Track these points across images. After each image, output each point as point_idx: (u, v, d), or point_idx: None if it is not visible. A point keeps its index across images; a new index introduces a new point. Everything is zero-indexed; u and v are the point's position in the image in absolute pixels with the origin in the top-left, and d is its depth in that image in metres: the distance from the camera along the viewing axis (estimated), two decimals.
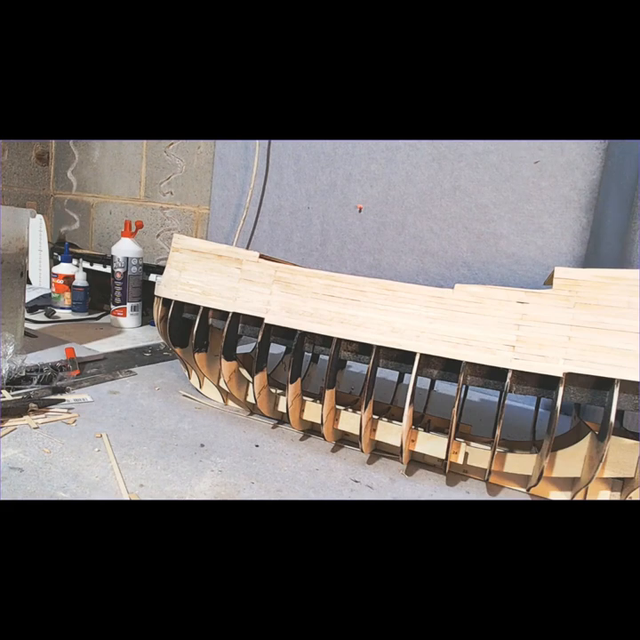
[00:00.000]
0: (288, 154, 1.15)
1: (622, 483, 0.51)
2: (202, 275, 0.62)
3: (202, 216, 1.34)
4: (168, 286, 0.65)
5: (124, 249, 1.06)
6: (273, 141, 1.16)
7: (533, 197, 0.90)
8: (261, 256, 0.60)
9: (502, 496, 0.54)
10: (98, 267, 1.23)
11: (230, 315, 0.60)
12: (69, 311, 1.16)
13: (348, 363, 0.83)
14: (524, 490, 0.54)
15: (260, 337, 0.57)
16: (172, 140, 1.36)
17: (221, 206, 1.27)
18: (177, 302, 0.64)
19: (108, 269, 1.17)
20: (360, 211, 1.08)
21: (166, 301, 0.65)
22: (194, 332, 0.62)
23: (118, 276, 1.06)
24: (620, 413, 0.55)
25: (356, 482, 0.53)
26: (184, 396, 0.72)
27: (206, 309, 0.62)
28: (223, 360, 0.61)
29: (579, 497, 0.51)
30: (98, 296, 1.19)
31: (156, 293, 0.67)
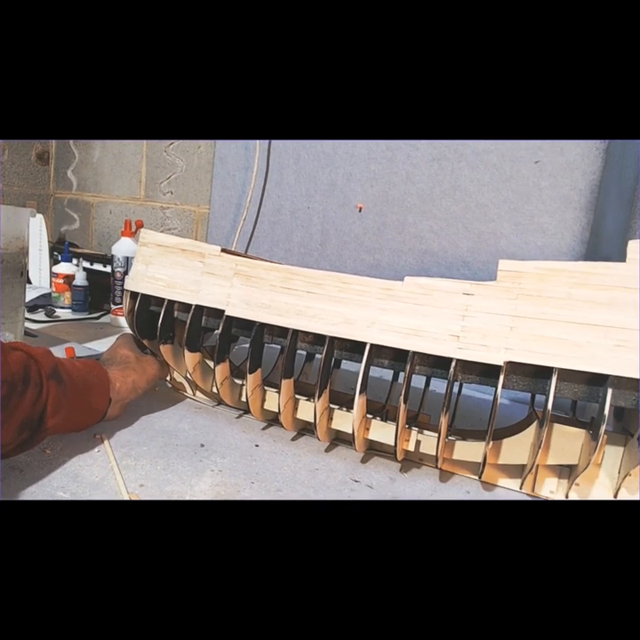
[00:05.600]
0: (288, 154, 1.15)
1: (569, 470, 0.52)
2: (167, 268, 0.63)
3: (202, 216, 1.34)
4: (135, 280, 0.66)
5: (124, 249, 1.06)
6: (273, 141, 1.16)
7: (533, 197, 0.90)
8: (223, 250, 0.61)
9: (502, 496, 0.54)
10: (98, 266, 1.22)
11: (193, 307, 0.61)
12: (69, 311, 1.16)
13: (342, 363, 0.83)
14: (476, 477, 0.56)
15: (220, 328, 0.59)
16: (172, 140, 1.36)
17: (221, 206, 1.27)
18: (143, 295, 0.65)
19: (108, 269, 1.17)
20: (360, 210, 1.08)
21: (134, 294, 0.66)
22: (159, 325, 0.63)
23: (118, 275, 1.06)
24: (574, 403, 0.59)
25: (356, 481, 0.53)
26: (181, 393, 0.72)
27: (171, 302, 0.63)
28: (186, 351, 0.62)
29: (527, 483, 0.52)
30: (98, 296, 1.19)
31: (124, 287, 0.68)
